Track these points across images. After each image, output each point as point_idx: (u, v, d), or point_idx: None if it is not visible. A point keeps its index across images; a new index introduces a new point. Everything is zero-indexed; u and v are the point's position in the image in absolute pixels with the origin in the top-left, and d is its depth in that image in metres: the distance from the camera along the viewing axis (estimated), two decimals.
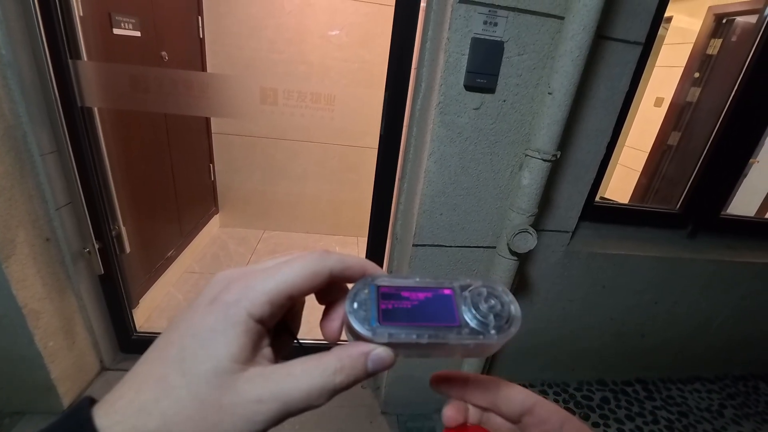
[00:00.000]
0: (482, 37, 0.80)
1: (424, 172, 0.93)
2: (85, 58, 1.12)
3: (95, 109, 1.18)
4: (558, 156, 0.87)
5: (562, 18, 0.81)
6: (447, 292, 0.24)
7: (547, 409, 0.24)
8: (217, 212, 2.57)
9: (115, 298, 1.41)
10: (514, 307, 0.24)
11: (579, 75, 0.79)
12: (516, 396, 0.25)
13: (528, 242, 0.91)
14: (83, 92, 1.10)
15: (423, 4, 0.94)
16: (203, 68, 2.14)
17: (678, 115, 2.90)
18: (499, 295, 0.24)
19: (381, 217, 1.23)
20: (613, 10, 0.87)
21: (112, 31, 1.34)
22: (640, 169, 3.00)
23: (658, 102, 3.14)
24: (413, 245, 1.02)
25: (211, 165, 2.41)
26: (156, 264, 1.84)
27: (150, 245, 1.77)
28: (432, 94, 0.88)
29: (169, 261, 1.96)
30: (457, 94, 0.85)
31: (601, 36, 0.90)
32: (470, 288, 0.24)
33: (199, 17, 2.05)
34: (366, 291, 0.23)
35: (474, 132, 0.89)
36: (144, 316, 1.71)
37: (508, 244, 0.96)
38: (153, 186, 1.76)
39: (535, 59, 0.84)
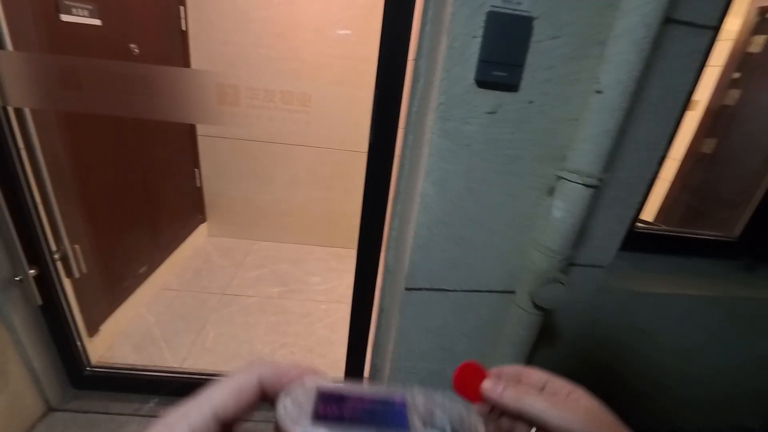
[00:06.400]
0: (502, 11, 0.57)
1: (419, 195, 0.70)
2: (10, 48, 0.92)
3: (26, 110, 0.97)
4: (604, 180, 0.63)
5: None
6: (398, 400, 0.22)
7: (558, 384, 0.30)
8: (204, 221, 2.37)
9: (61, 329, 1.20)
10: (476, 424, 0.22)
11: (643, 64, 0.55)
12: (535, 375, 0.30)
13: (558, 295, 0.67)
14: (5, 90, 0.89)
15: None
16: (186, 63, 1.94)
17: (714, 119, 2.63)
18: (461, 413, 0.22)
19: (370, 244, 1.00)
20: None
21: (58, 17, 1.14)
22: (671, 179, 2.72)
23: (692, 105, 2.85)
24: (405, 288, 0.78)
25: (196, 170, 2.20)
26: (123, 283, 1.63)
27: (115, 262, 1.57)
28: (431, 92, 0.65)
29: (141, 278, 1.76)
30: (465, 92, 0.62)
31: None
32: (426, 400, 0.23)
33: (182, 8, 1.85)
34: (302, 390, 0.22)
35: (486, 144, 0.66)
36: (106, 343, 1.50)
37: (530, 295, 0.72)
38: (118, 196, 1.56)
39: (576, 44, 0.60)
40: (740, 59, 2.50)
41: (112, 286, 1.55)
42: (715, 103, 2.61)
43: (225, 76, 0.85)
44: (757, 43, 2.47)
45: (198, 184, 2.23)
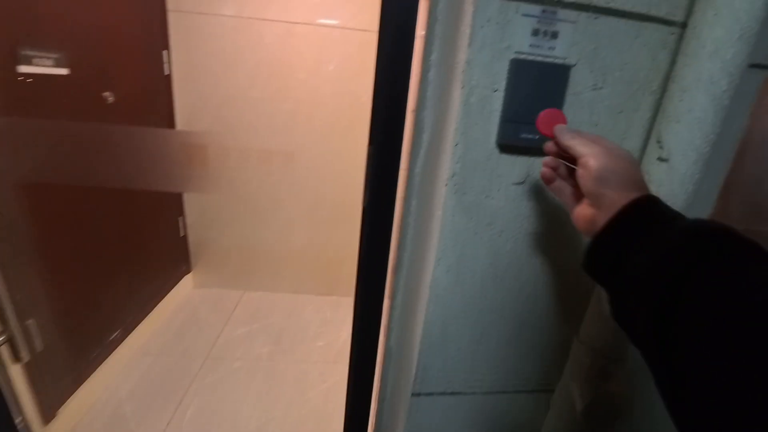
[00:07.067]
0: (530, 58, 0.44)
1: (429, 284, 0.55)
2: None
3: None
4: None
5: (679, 24, 0.44)
6: None
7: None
8: (189, 271, 2.20)
9: (4, 423, 1.01)
10: None
11: (720, 125, 0.41)
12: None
13: (607, 399, 0.51)
14: None
15: (424, 2, 0.58)
16: (170, 109, 1.84)
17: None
18: None
19: (366, 323, 0.83)
20: None
21: (14, 69, 1.02)
22: None
23: None
24: (412, 394, 0.62)
25: (180, 218, 2.06)
26: (92, 353, 1.45)
27: (83, 330, 1.39)
28: (440, 158, 0.51)
29: (114, 344, 1.57)
30: (486, 159, 0.48)
31: None
32: None
33: (165, 51, 1.77)
34: None
35: (515, 221, 0.51)
36: (66, 428, 1.30)
37: (573, 397, 0.56)
38: (89, 254, 1.40)
39: (625, 95, 0.47)
40: None
41: (77, 359, 1.36)
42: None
43: (193, 135, 0.72)
44: None
45: (182, 233, 2.08)
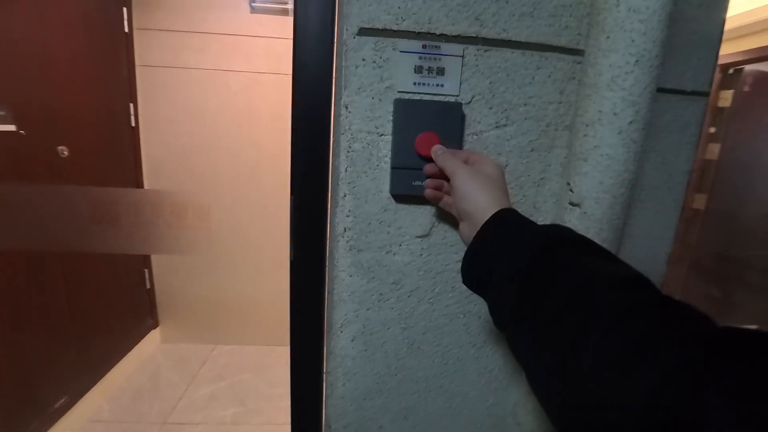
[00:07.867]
0: (417, 97, 0.39)
1: (336, 356, 0.47)
2: None
3: None
4: None
5: (579, 52, 0.40)
6: None
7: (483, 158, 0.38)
8: (155, 326, 2.07)
9: None
10: None
11: (636, 163, 0.36)
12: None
13: None
14: None
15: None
16: (136, 159, 1.81)
17: (700, 174, 2.55)
18: None
19: (303, 393, 0.74)
20: None
21: None
22: None
23: None
24: None
25: (146, 270, 1.97)
26: (27, 428, 1.31)
27: (14, 403, 1.26)
28: (336, 215, 0.45)
29: (59, 412, 1.43)
30: (381, 211, 0.42)
31: None
32: None
33: (131, 104, 1.77)
34: None
35: (425, 279, 0.44)
36: None
37: None
38: (27, 319, 1.30)
39: (535, 132, 0.42)
40: (713, 114, 2.49)
41: None
42: (698, 158, 2.54)
43: (101, 191, 0.67)
44: (725, 98, 2.48)
45: (148, 285, 1.98)
